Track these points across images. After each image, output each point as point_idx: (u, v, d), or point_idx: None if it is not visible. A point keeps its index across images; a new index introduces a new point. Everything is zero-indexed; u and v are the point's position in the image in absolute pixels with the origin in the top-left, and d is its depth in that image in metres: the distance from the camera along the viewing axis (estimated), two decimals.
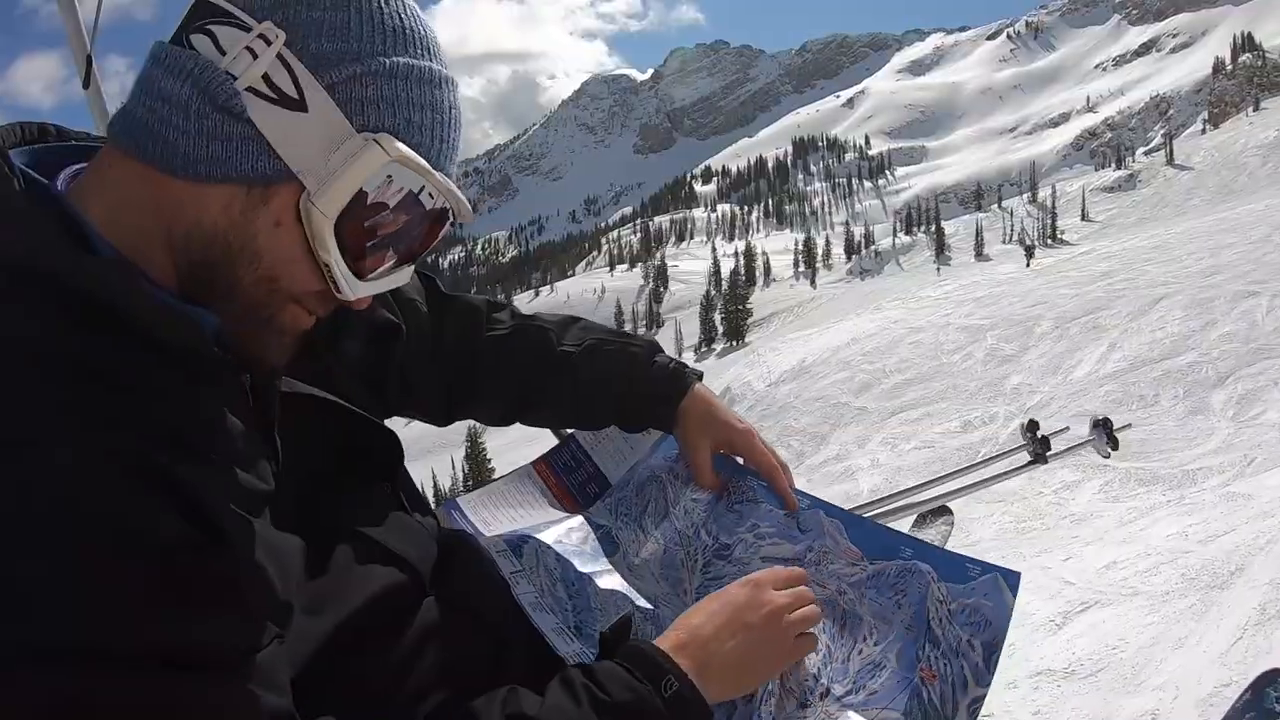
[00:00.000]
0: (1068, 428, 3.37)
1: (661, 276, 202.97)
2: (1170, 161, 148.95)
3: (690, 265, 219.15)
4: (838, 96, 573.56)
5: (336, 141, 0.98)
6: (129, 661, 0.80)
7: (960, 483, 2.97)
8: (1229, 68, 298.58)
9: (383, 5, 1.03)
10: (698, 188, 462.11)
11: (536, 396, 1.66)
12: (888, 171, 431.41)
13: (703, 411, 1.60)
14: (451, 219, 1.11)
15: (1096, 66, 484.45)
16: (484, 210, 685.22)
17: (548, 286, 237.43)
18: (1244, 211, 36.76)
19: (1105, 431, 3.21)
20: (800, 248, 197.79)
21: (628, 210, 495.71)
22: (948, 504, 3.04)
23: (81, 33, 3.33)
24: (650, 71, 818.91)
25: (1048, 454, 3.09)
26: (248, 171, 0.96)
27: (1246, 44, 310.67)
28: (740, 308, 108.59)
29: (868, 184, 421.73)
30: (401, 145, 1.00)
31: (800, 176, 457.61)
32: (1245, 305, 16.74)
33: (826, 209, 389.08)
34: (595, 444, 1.73)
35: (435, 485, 56.38)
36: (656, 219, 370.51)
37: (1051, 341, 18.13)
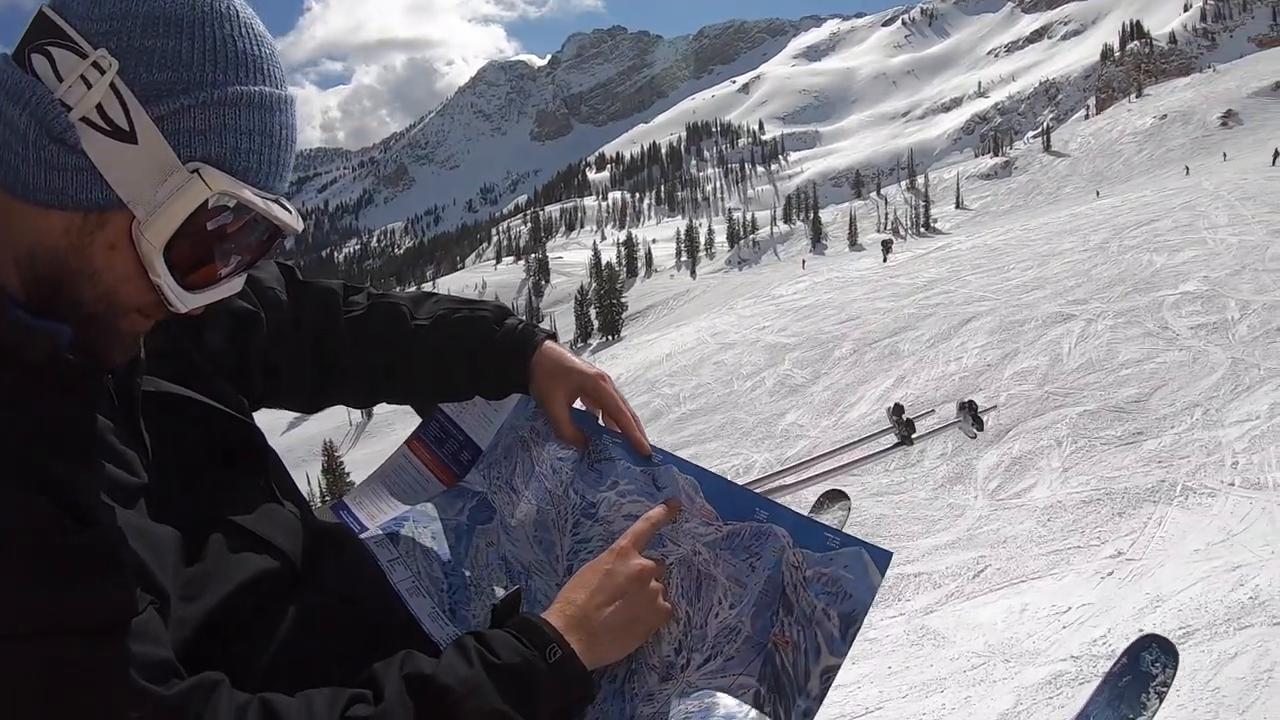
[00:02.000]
0: (934, 410, 3.32)
1: (543, 270, 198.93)
2: (1047, 148, 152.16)
3: (577, 256, 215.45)
4: (733, 82, 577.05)
5: (164, 172, 1.02)
6: (15, 633, 0.91)
7: (830, 465, 2.98)
8: (1117, 55, 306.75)
9: (216, 30, 1.05)
10: (591, 175, 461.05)
11: (396, 371, 1.66)
12: (781, 156, 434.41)
13: (553, 363, 1.61)
14: (280, 235, 1.16)
15: (989, 53, 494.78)
16: (380, 201, 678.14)
17: (429, 283, 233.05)
18: (1100, 207, 35.18)
19: (970, 413, 3.25)
20: (683, 237, 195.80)
21: (523, 199, 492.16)
22: (841, 489, 3.13)
23: None
24: (548, 58, 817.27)
25: (913, 436, 3.15)
26: (83, 201, 1.01)
27: (1135, 32, 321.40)
28: (614, 301, 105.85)
29: (760, 169, 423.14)
30: (224, 177, 1.04)
31: (693, 162, 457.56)
32: (1055, 333, 14.14)
33: (718, 195, 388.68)
34: (460, 412, 1.72)
35: None
36: (547, 208, 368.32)
37: (845, 369, 16.62)
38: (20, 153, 1.01)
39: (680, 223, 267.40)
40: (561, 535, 1.51)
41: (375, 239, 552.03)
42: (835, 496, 2.93)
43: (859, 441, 3.21)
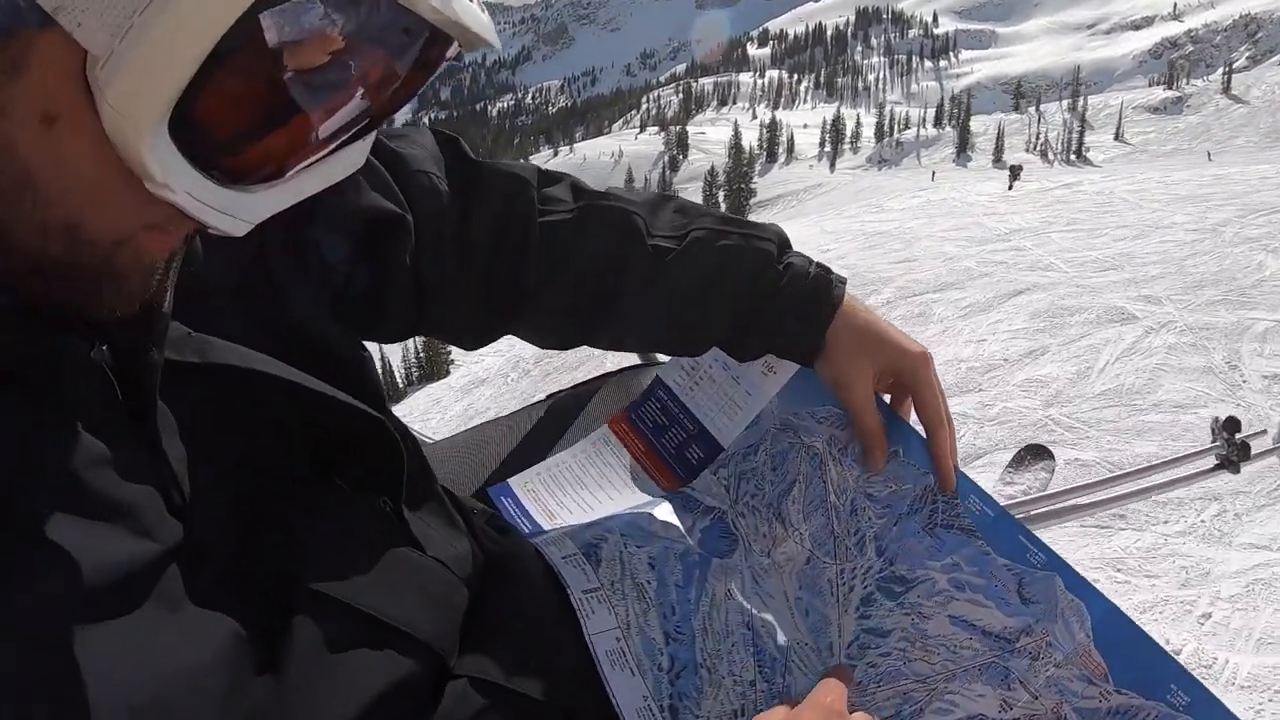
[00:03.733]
0: (1264, 431, 2.93)
1: (682, 144, 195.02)
2: (1226, 90, 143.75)
3: (721, 133, 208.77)
4: None
5: None
6: None
7: (1130, 487, 2.61)
8: None
9: None
10: (751, 51, 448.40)
11: (615, 309, 1.14)
12: (951, 54, 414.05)
13: (861, 331, 1.12)
14: (451, 52, 0.60)
15: None
16: (538, 59, 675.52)
17: (566, 147, 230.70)
18: (1248, 174, 30.73)
19: None
20: (828, 126, 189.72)
21: (681, 68, 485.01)
22: (1047, 446, 2.74)
23: None
24: None
25: (1242, 462, 2.68)
26: None
27: None
28: (743, 186, 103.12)
29: (928, 64, 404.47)
30: None
31: (859, 49, 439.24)
32: (1102, 336, 11.05)
33: (880, 86, 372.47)
34: (692, 388, 1.25)
35: (384, 367, 46.81)
36: (701, 80, 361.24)
37: None
38: None
39: (843, 110, 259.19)
40: (842, 612, 1.04)
41: (530, 96, 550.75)
42: (1038, 453, 2.44)
43: (1170, 462, 2.69)
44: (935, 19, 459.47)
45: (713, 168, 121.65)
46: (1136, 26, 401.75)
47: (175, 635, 0.58)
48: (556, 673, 0.90)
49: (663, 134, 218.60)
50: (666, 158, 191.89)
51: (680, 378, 1.24)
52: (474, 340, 1.16)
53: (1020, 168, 54.70)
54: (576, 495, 1.19)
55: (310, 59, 0.51)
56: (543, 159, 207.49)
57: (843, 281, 1.13)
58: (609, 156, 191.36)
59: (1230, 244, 15.62)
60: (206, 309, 0.72)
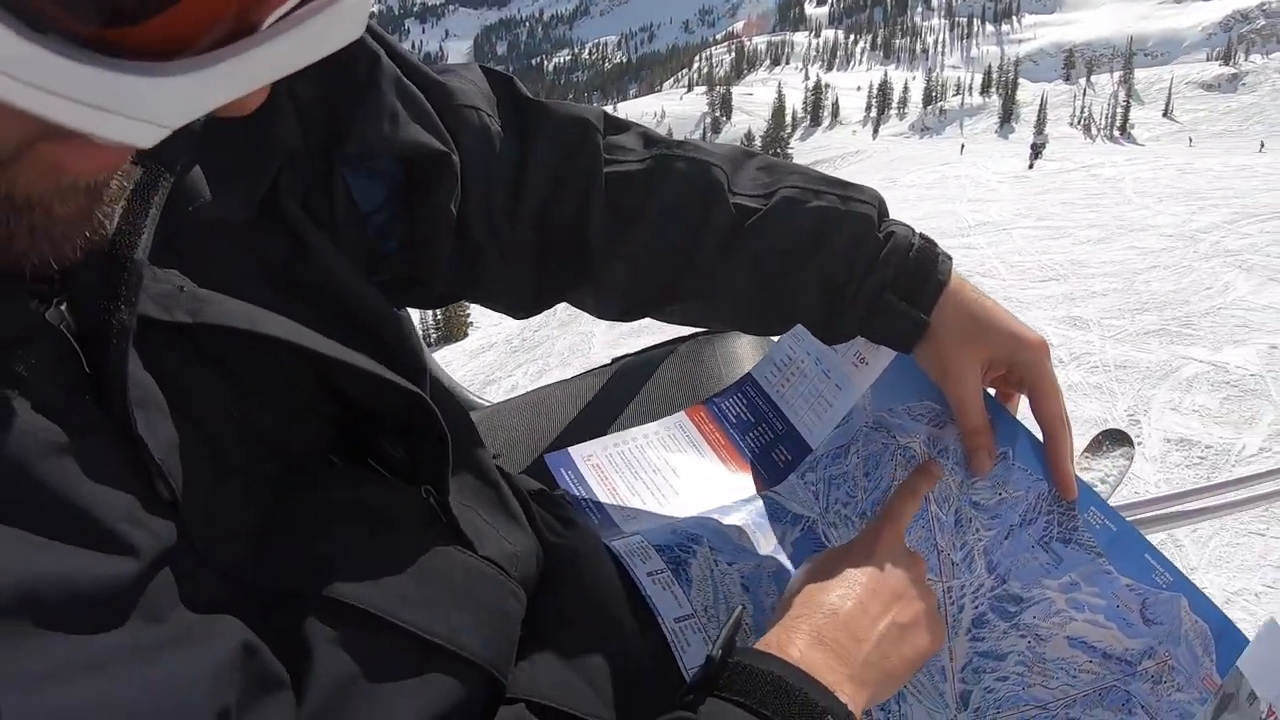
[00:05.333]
0: None
1: (725, 106, 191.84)
2: None
3: (768, 95, 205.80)
4: None
5: None
6: None
7: (1266, 487, 2.36)
8: None
9: None
10: (808, 9, 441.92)
11: (689, 278, 1.00)
12: (1014, 18, 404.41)
13: (971, 314, 0.97)
14: None
15: None
16: (596, 14, 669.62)
17: (610, 106, 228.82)
18: (1276, 165, 28.80)
19: None
20: (874, 91, 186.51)
21: (739, 25, 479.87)
22: (1126, 430, 2.68)
23: None
24: None
25: None
26: None
27: None
28: (778, 151, 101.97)
29: (990, 28, 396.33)
30: None
31: (919, 9, 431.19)
32: None
33: (939, 49, 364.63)
34: (783, 385, 1.15)
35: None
36: (755, 40, 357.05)
37: None
38: None
39: (892, 72, 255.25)
40: (952, 634, 0.96)
41: (587, 51, 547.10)
42: (1117, 439, 2.22)
43: None
44: None
45: (749, 131, 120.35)
46: None
47: (161, 647, 0.47)
48: (631, 695, 0.78)
49: (709, 94, 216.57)
50: (709, 119, 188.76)
51: (771, 374, 1.14)
52: (526, 308, 1.02)
53: (1043, 145, 52.03)
54: (648, 479, 1.09)
55: None
56: None
57: (949, 257, 0.99)
58: (651, 117, 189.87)
59: (1203, 256, 13.18)
60: (207, 258, 0.60)
